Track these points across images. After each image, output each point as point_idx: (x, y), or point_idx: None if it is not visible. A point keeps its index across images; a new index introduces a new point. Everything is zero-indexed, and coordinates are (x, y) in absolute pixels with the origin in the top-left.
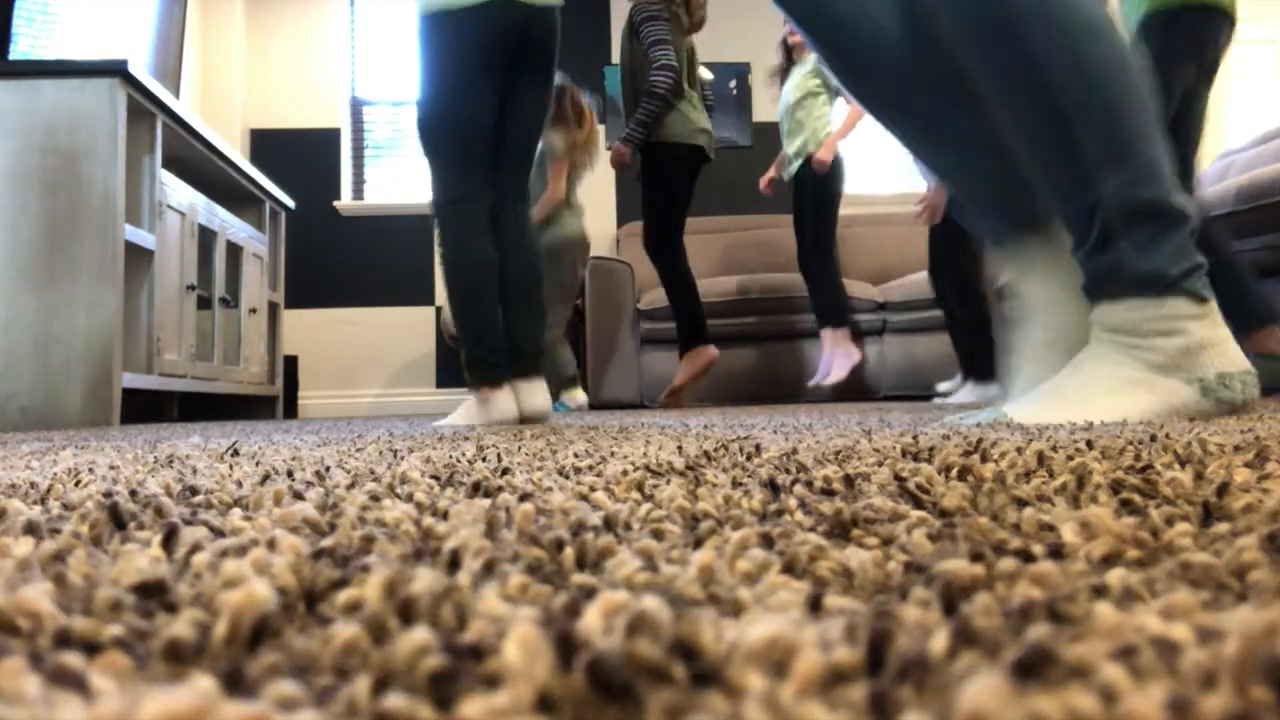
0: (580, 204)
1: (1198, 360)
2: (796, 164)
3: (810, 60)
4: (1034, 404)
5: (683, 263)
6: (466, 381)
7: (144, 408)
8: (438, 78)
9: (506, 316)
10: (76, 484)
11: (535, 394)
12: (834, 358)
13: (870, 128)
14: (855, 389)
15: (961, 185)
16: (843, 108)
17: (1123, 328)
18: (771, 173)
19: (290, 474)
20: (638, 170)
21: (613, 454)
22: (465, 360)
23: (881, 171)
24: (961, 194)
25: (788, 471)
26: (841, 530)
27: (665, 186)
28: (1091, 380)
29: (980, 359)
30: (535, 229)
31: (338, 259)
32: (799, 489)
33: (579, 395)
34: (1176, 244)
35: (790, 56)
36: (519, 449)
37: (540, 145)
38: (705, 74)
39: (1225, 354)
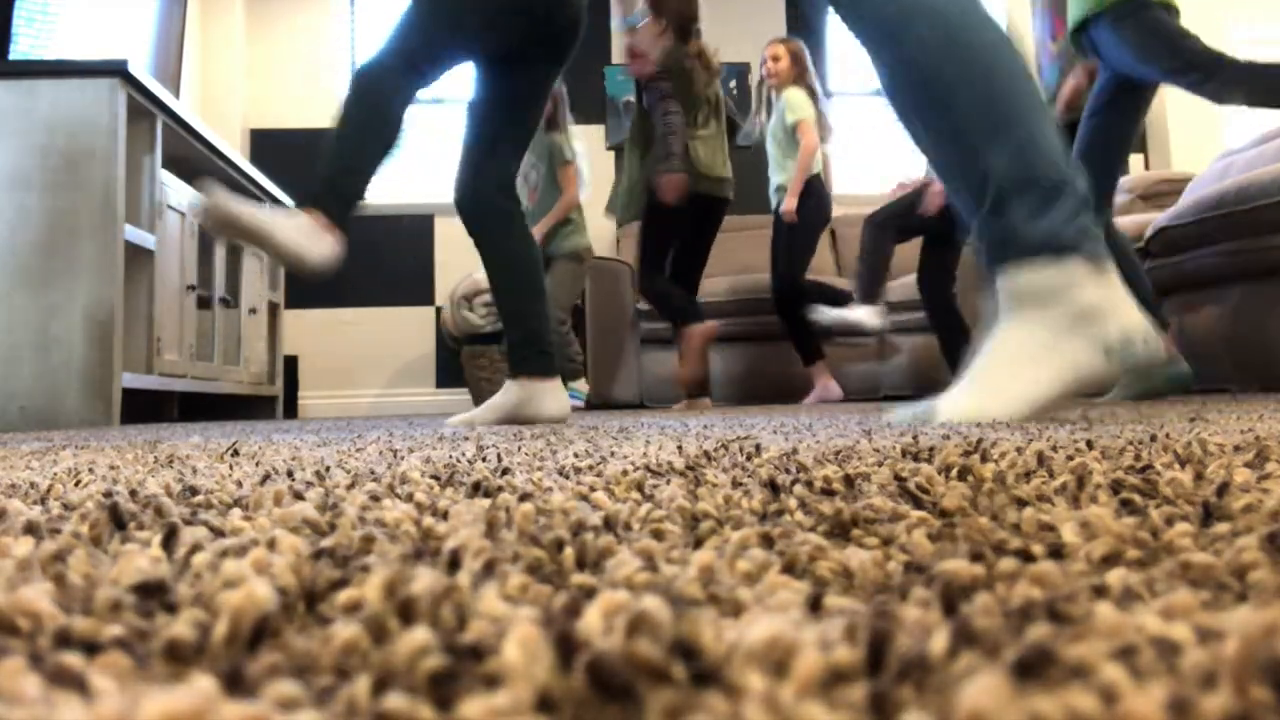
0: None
1: (1099, 321)
2: (777, 197)
3: (783, 99)
4: (956, 394)
5: (657, 277)
6: (302, 203)
7: (144, 408)
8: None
9: (520, 316)
10: (76, 484)
11: (555, 395)
12: (814, 391)
13: (868, 130)
14: (853, 389)
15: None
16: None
17: (1023, 294)
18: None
19: (290, 474)
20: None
21: (613, 454)
22: (318, 189)
23: (881, 171)
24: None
25: (788, 471)
26: (841, 530)
27: (668, 228)
28: (1000, 356)
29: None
30: (526, 224)
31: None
32: (799, 489)
33: (582, 386)
34: (1068, 208)
35: (770, 95)
36: (519, 449)
37: (548, 149)
38: None
39: (1126, 314)
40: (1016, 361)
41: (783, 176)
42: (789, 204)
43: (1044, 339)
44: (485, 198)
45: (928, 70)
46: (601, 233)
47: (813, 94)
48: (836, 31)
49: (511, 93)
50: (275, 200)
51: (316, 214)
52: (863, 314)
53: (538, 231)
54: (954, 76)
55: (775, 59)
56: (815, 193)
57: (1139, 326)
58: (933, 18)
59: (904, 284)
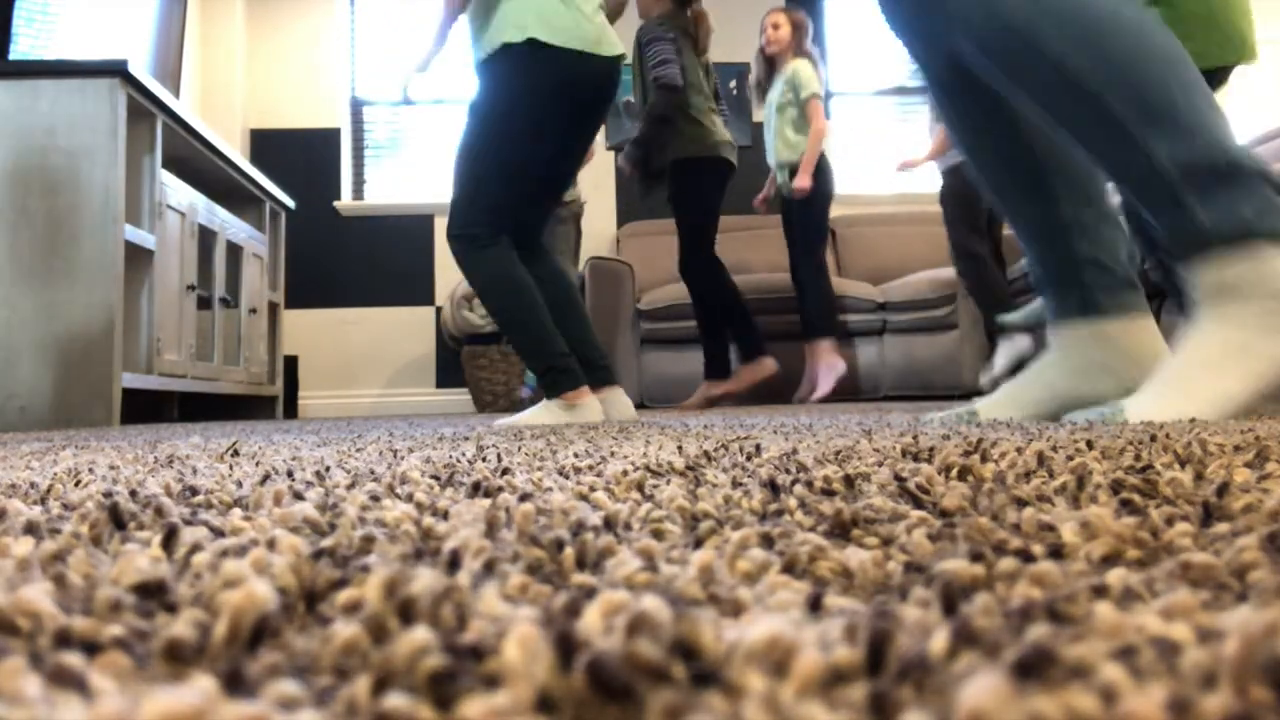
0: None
1: None
2: (783, 175)
3: (788, 70)
4: (1151, 398)
5: (725, 277)
6: (547, 395)
7: (144, 408)
8: (509, 107)
9: (566, 336)
10: (76, 484)
11: (621, 400)
12: (819, 370)
13: (869, 130)
14: (852, 390)
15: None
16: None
17: (1215, 287)
18: (766, 191)
19: (290, 474)
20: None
21: (613, 454)
22: (541, 380)
23: (881, 171)
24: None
25: (788, 471)
26: (841, 530)
27: (699, 202)
28: (1194, 357)
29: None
30: (550, 250)
31: (338, 259)
32: (799, 489)
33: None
34: (1248, 190)
35: (771, 66)
36: (519, 449)
37: None
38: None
39: None
40: (1211, 363)
41: (789, 154)
42: (804, 181)
43: (1241, 338)
44: (528, 242)
45: (1070, 72)
46: (602, 233)
47: (813, 60)
48: (837, 31)
49: (563, 152)
50: (274, 200)
51: (565, 395)
52: (1016, 344)
53: None
54: (1097, 71)
55: (776, 26)
56: (823, 168)
57: None
58: (1061, 14)
59: (903, 284)
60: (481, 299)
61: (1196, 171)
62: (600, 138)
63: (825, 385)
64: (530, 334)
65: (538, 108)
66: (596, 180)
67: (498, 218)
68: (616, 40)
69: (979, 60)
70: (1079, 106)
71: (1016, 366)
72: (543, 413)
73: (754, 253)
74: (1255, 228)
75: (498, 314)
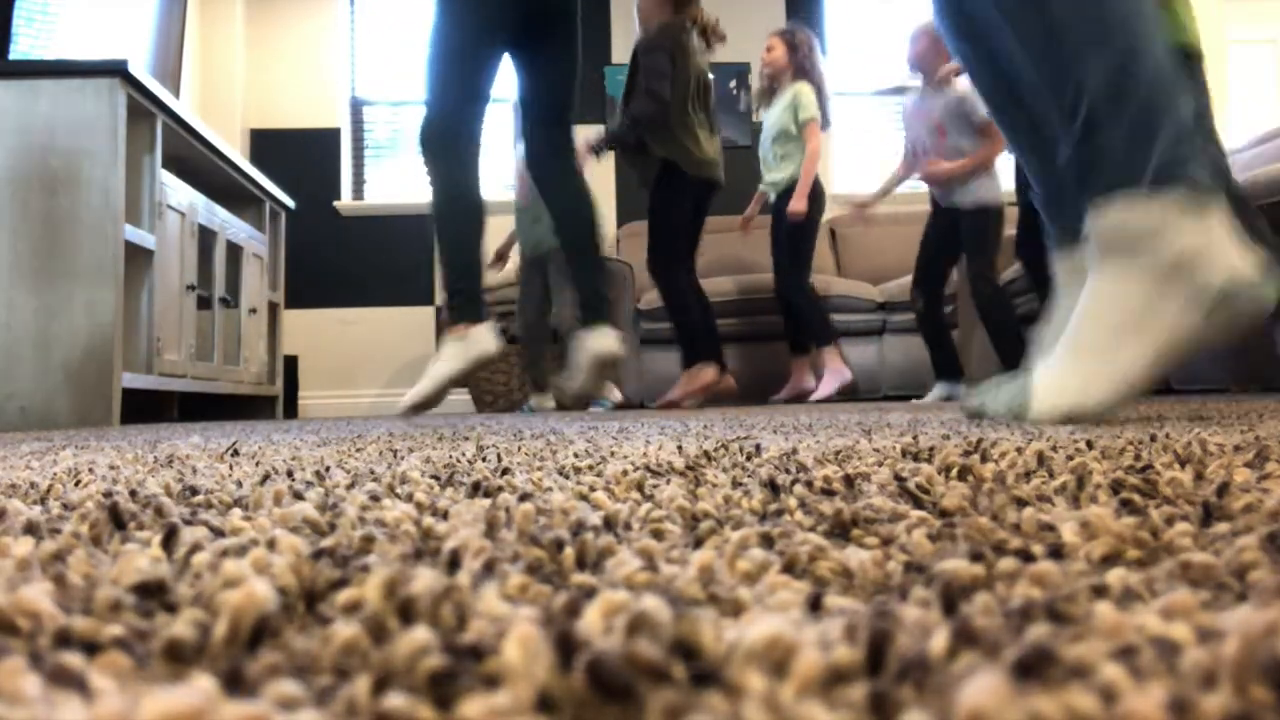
0: None
1: (1197, 271)
2: (774, 194)
3: (789, 93)
4: (1052, 374)
5: (686, 279)
6: (448, 321)
7: (144, 408)
8: (448, 20)
9: (571, 271)
10: (76, 484)
11: (603, 338)
12: (825, 375)
13: (869, 130)
14: (852, 390)
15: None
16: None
17: (1114, 234)
18: (750, 211)
19: (290, 474)
20: (642, 183)
21: (613, 454)
22: (447, 299)
23: (881, 171)
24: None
25: (788, 471)
26: (841, 530)
27: (673, 213)
28: (1092, 324)
29: (948, 361)
30: (581, 181)
31: (338, 259)
32: (799, 489)
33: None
34: (1170, 133)
35: (772, 84)
36: (519, 449)
37: None
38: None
39: (1230, 257)
40: (1110, 332)
41: (780, 174)
42: (799, 205)
43: (1137, 300)
44: (543, 160)
45: None
46: (602, 232)
47: (816, 81)
48: (837, 31)
49: (539, 68)
50: (274, 200)
51: (459, 329)
52: (939, 390)
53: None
54: None
55: (769, 49)
56: (816, 192)
57: (1245, 270)
58: None
59: (903, 284)
60: (433, 206)
61: (1120, 98)
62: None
63: (826, 389)
64: (458, 258)
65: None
66: (597, 180)
67: (456, 118)
68: None
69: None
70: (1030, 11)
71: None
72: (444, 360)
73: (754, 253)
74: (1165, 175)
75: (439, 227)
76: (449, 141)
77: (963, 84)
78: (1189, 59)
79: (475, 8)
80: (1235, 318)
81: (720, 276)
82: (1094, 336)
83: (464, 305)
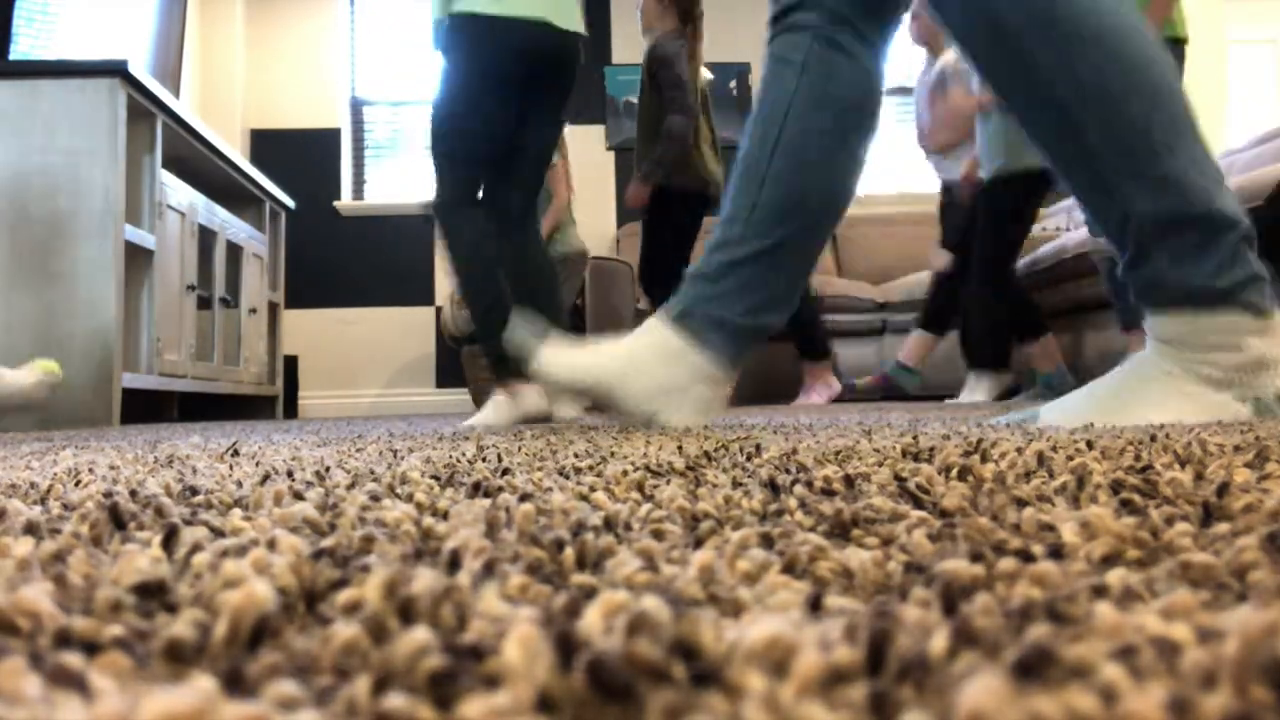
0: (572, 213)
1: (1256, 378)
2: None
3: None
4: (1070, 407)
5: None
6: (493, 378)
7: (144, 408)
8: (462, 81)
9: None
10: (76, 484)
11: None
12: (815, 388)
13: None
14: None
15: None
16: None
17: (1174, 339)
18: None
19: (290, 474)
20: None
21: (613, 454)
22: (490, 358)
23: (881, 172)
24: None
25: (788, 471)
26: (841, 530)
27: (676, 230)
28: (1136, 386)
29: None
30: (543, 243)
31: (338, 259)
32: (799, 489)
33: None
34: (1222, 254)
35: None
36: (519, 449)
37: None
38: (706, 74)
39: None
40: (1152, 403)
41: None
42: None
43: (1183, 386)
44: (513, 225)
45: (1057, 84)
46: (602, 233)
47: None
48: None
49: (528, 126)
50: (274, 200)
51: (507, 387)
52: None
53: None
54: (1082, 96)
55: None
56: None
57: None
58: (1048, 19)
59: (903, 284)
60: (454, 273)
61: (1168, 227)
62: (600, 138)
63: (817, 399)
64: (494, 318)
65: (490, 76)
66: (596, 180)
67: (470, 190)
68: (572, 13)
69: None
70: (1062, 136)
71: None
72: (490, 410)
73: None
74: (1220, 293)
75: (465, 289)
76: (469, 210)
77: (950, 54)
78: (1177, 44)
79: (494, 71)
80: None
81: None
82: (1121, 397)
83: (508, 365)
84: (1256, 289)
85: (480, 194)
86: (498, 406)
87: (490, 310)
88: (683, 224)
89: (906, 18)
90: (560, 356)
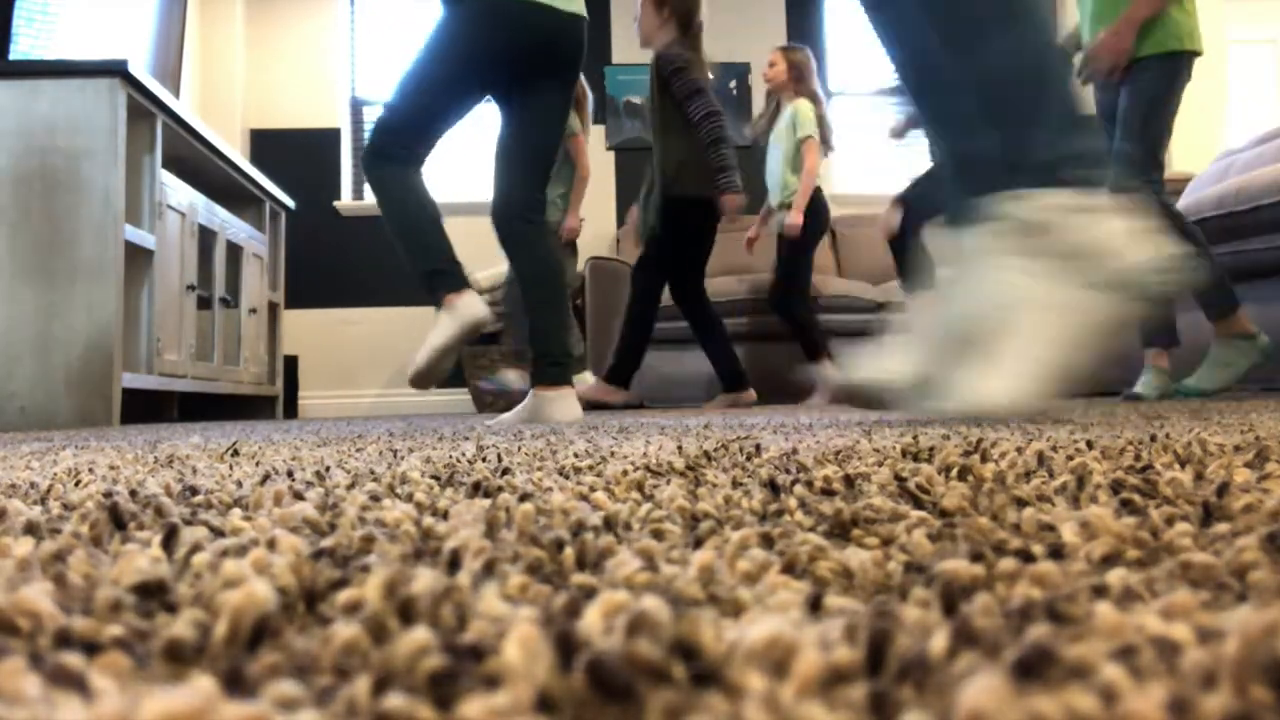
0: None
1: (1099, 259)
2: (780, 212)
3: (789, 110)
4: (967, 383)
5: (709, 304)
6: (434, 298)
7: (144, 408)
8: (447, 43)
9: (533, 326)
10: (76, 484)
11: (566, 403)
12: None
13: (869, 130)
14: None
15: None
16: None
17: (1003, 233)
18: (753, 231)
19: (290, 474)
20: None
21: (613, 454)
22: (422, 281)
23: (881, 171)
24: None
25: (788, 471)
26: (841, 530)
27: (696, 240)
28: (1007, 328)
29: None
30: (552, 242)
31: (338, 259)
32: (799, 489)
33: (588, 378)
34: (1051, 130)
35: (777, 102)
36: (519, 449)
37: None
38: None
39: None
40: (1024, 329)
41: (782, 194)
42: (795, 219)
43: (1045, 294)
44: (510, 219)
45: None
46: (602, 233)
47: (816, 101)
48: (836, 31)
49: (528, 120)
50: (274, 200)
51: (445, 300)
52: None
53: (571, 217)
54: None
55: (771, 64)
56: (817, 207)
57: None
58: None
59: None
60: (381, 212)
61: (1003, 96)
62: (600, 138)
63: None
64: (417, 240)
65: (476, 52)
66: (597, 180)
67: (406, 140)
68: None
69: None
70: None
71: None
72: (434, 334)
73: (754, 253)
74: (1053, 170)
75: (391, 224)
76: (398, 164)
77: None
78: (1186, 56)
79: (473, 54)
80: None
81: (723, 276)
82: (1002, 343)
83: (442, 279)
84: (1085, 166)
85: (410, 155)
86: (444, 320)
87: (417, 234)
88: (701, 230)
89: None
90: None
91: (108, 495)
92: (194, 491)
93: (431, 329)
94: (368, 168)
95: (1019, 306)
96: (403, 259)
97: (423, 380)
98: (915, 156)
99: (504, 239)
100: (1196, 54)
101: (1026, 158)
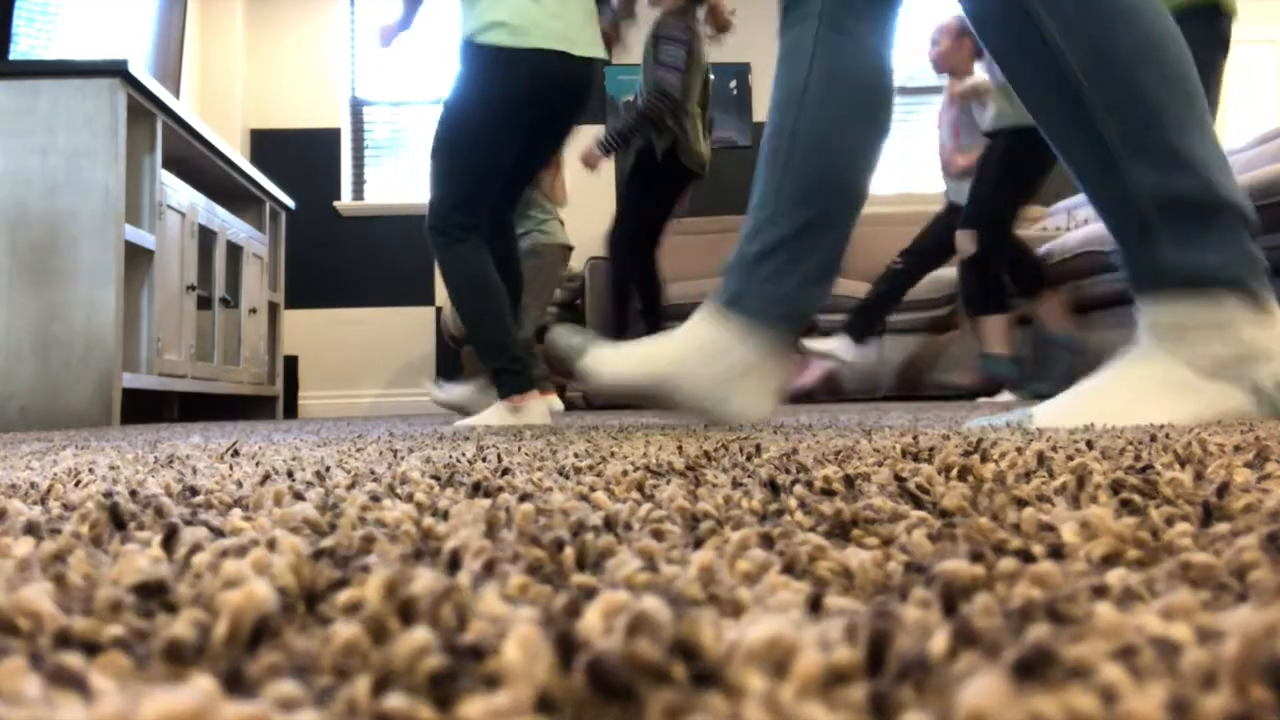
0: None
1: (1253, 368)
2: None
3: None
4: (1063, 407)
5: (638, 264)
6: (498, 394)
7: (144, 408)
8: (476, 108)
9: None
10: (76, 484)
11: (538, 407)
12: (815, 363)
13: None
14: (852, 389)
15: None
16: None
17: (1169, 329)
18: None
19: (290, 474)
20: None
21: (613, 454)
22: (494, 376)
23: (881, 171)
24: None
25: (788, 471)
26: (841, 530)
27: (662, 200)
28: (1129, 382)
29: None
30: (517, 249)
31: (338, 259)
32: (799, 489)
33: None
34: (1225, 238)
35: None
36: (519, 449)
37: None
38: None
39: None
40: (1142, 390)
41: None
42: None
43: (1182, 377)
44: (494, 235)
45: (1065, 47)
46: (601, 232)
47: None
48: None
49: (531, 148)
50: (274, 200)
51: (511, 400)
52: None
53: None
54: (1092, 63)
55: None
56: None
57: None
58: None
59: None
60: (450, 293)
61: (1172, 207)
62: (599, 138)
63: (809, 378)
64: (490, 334)
65: (504, 108)
66: (596, 180)
67: (471, 211)
68: (595, 41)
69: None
70: (1062, 101)
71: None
72: (492, 414)
73: None
74: (1220, 279)
75: (463, 309)
76: (466, 245)
77: (973, 85)
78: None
79: (503, 99)
80: (1266, 411)
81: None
82: (1116, 396)
83: (510, 381)
84: (1255, 275)
85: (481, 220)
86: (499, 413)
87: (487, 327)
88: (670, 196)
89: (927, 45)
90: (609, 359)
91: (108, 495)
92: (194, 491)
93: (492, 408)
94: (436, 247)
95: (1147, 375)
96: (469, 337)
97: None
98: (915, 156)
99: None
100: (1230, 14)
101: (1177, 259)
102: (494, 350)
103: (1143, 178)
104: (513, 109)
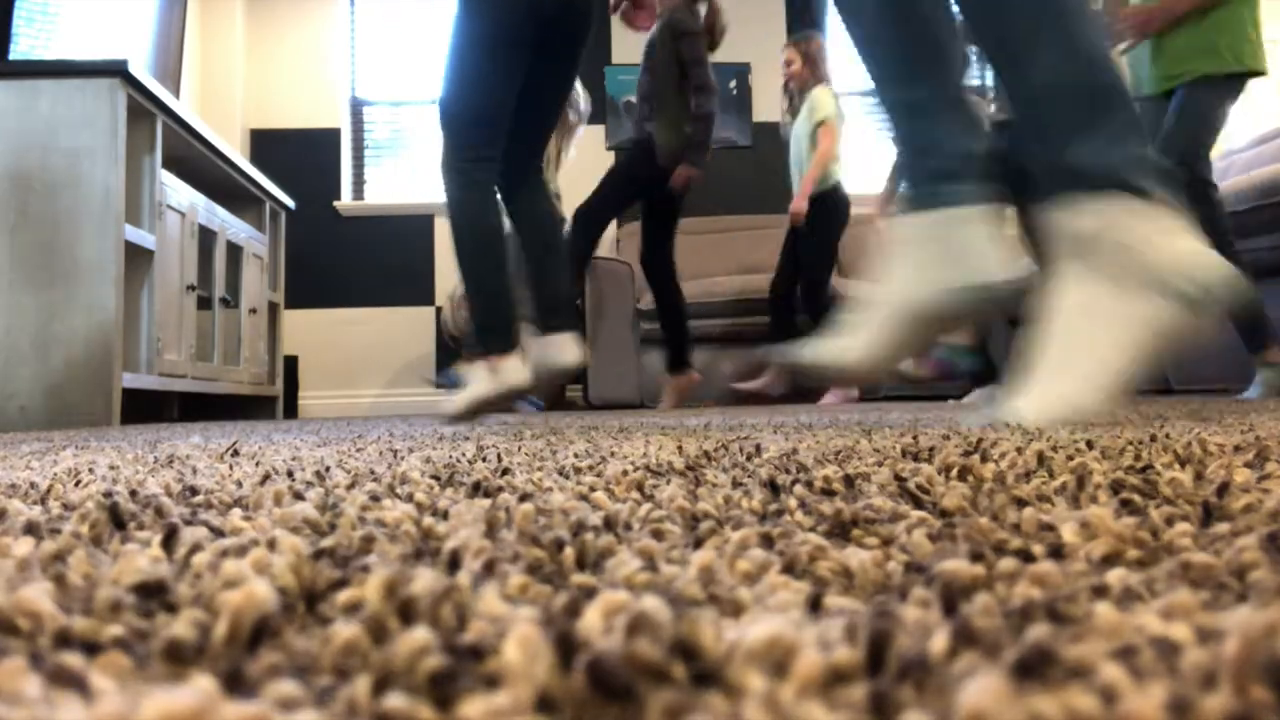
0: (558, 188)
1: (1162, 269)
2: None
3: (810, 98)
4: (1036, 391)
5: (590, 245)
6: (479, 351)
7: (144, 408)
8: (468, 46)
9: (534, 277)
10: (76, 484)
11: (568, 347)
12: (833, 391)
13: (869, 130)
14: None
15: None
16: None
17: (1085, 240)
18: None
19: (290, 474)
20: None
21: (613, 454)
22: (476, 329)
23: (881, 171)
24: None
25: (788, 471)
26: (841, 530)
27: (624, 186)
28: (1063, 334)
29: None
30: (550, 201)
31: (338, 259)
32: (799, 489)
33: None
34: (1122, 136)
35: (795, 95)
36: (519, 449)
37: None
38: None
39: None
40: (1087, 334)
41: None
42: (798, 204)
43: (1099, 302)
44: (517, 183)
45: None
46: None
47: (832, 91)
48: (837, 30)
49: (539, 83)
50: (274, 200)
51: (489, 360)
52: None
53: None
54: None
55: (789, 63)
56: (834, 203)
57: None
58: None
59: None
60: (452, 237)
61: (1075, 96)
62: (600, 138)
63: (832, 400)
64: (484, 288)
65: (509, 18)
66: (596, 180)
67: (486, 136)
68: None
69: None
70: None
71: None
72: (477, 383)
73: (756, 253)
74: (1122, 176)
75: (461, 257)
76: (478, 190)
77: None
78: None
79: (505, 33)
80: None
81: (724, 276)
82: (1063, 354)
83: (493, 339)
84: (1146, 175)
85: (488, 160)
86: (484, 377)
87: (482, 282)
88: (640, 190)
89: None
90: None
91: (108, 495)
92: (194, 491)
93: (473, 377)
94: (449, 186)
95: (1083, 313)
96: (462, 284)
97: (459, 420)
98: None
99: (505, 205)
100: (1258, 73)
101: (1085, 163)
102: (483, 303)
103: (1047, 63)
104: (510, 40)
